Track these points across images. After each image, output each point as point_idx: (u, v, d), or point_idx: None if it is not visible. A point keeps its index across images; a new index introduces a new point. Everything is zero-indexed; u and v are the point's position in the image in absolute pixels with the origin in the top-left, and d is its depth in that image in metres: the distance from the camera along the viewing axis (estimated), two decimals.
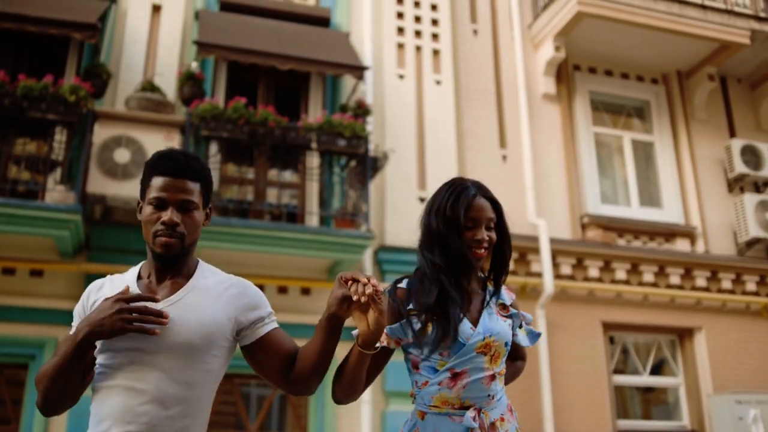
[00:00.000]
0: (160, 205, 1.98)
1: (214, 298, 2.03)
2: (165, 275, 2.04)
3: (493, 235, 2.31)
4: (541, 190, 8.90)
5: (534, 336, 2.44)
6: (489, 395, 2.19)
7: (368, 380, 2.15)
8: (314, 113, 8.12)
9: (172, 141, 6.89)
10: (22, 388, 6.67)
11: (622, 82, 9.96)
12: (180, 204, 1.99)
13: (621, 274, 8.70)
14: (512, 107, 9.23)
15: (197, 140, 6.97)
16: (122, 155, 6.76)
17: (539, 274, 8.25)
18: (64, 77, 7.41)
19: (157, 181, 2.00)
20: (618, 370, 8.69)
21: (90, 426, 1.91)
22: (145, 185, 2.04)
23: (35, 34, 7.13)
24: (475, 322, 2.21)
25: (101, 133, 6.76)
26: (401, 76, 8.64)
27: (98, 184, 6.65)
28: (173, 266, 2.04)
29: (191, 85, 7.14)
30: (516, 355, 2.54)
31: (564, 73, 9.63)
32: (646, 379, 8.79)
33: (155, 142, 6.83)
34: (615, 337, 8.77)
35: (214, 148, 7.05)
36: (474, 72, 9.24)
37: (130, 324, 1.83)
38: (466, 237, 2.26)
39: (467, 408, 2.13)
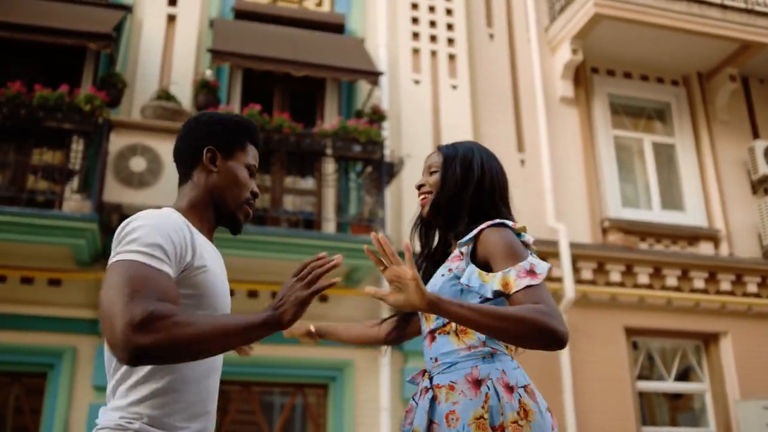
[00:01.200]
0: (252, 173, 1.96)
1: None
2: (211, 233, 1.93)
3: (435, 177, 2.15)
4: (561, 194, 8.79)
5: (488, 290, 1.89)
6: (431, 357, 1.99)
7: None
8: (330, 120, 8.09)
9: None
10: (41, 397, 6.67)
11: (641, 84, 9.84)
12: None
13: (643, 279, 8.55)
14: (530, 111, 9.14)
15: None
16: (138, 164, 6.77)
17: (559, 279, 8.12)
18: (80, 87, 7.44)
19: (253, 150, 1.98)
20: (642, 376, 8.53)
21: (169, 412, 1.66)
22: (236, 144, 1.94)
23: (51, 44, 7.18)
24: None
25: (117, 141, 6.77)
26: (417, 81, 8.59)
27: (114, 192, 6.65)
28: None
29: (206, 93, 7.14)
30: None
31: (582, 76, 9.52)
32: (671, 385, 8.62)
33: (170, 150, 6.80)
34: (638, 342, 8.62)
35: None
36: (490, 76, 9.17)
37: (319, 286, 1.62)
38: None
39: None
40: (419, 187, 2.18)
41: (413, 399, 2.04)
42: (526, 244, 2.00)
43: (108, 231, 6.86)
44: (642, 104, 9.90)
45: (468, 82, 8.81)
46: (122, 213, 6.81)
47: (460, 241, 2.02)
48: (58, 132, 6.47)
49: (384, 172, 7.15)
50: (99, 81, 7.18)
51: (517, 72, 9.33)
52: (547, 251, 8.18)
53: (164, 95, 7.20)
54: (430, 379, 1.95)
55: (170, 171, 6.78)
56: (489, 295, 1.88)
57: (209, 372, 1.77)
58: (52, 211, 6.32)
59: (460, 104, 8.64)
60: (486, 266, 1.94)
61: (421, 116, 8.40)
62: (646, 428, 8.18)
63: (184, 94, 7.55)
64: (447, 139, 8.37)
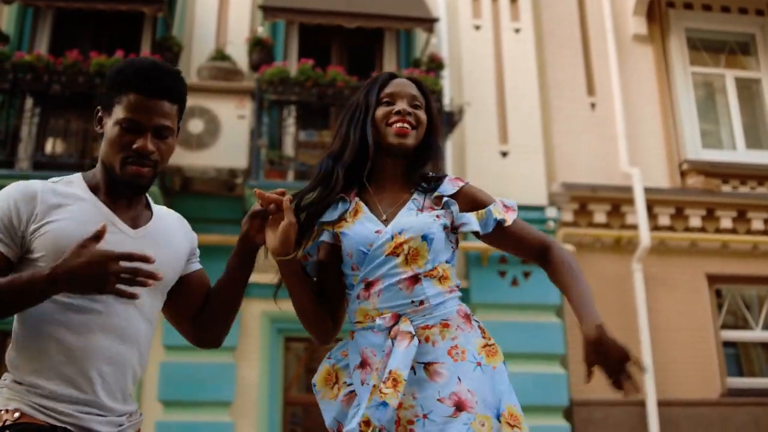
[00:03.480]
0: (133, 128, 1.71)
1: (177, 229, 1.90)
2: (122, 198, 1.79)
3: (422, 114, 1.99)
4: (634, 137, 8.34)
5: (491, 222, 1.94)
6: (413, 301, 1.84)
7: (337, 303, 1.99)
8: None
9: (244, 108, 6.87)
10: None
11: (722, 16, 9.15)
12: (156, 129, 1.73)
13: (726, 223, 8.06)
14: (600, 52, 8.68)
15: (269, 105, 6.92)
16: (196, 125, 6.81)
17: (634, 227, 7.75)
18: (139, 53, 7.52)
19: (133, 98, 1.71)
20: (728, 325, 8.09)
21: (32, 370, 1.64)
22: (112, 97, 1.74)
23: (109, 12, 7.27)
24: (387, 224, 1.91)
25: None
26: (477, 27, 8.27)
27: (174, 155, 6.65)
28: (141, 190, 1.83)
29: (259, 50, 7.08)
30: (525, 248, 2.02)
31: (656, 11, 8.94)
32: (758, 334, 8.14)
33: (227, 110, 6.84)
34: (722, 290, 8.16)
35: (286, 113, 6.98)
36: (556, 17, 8.74)
37: (122, 289, 1.54)
38: (378, 116, 1.97)
39: None
40: (404, 112, 1.96)
41: (342, 359, 1.92)
42: None
43: (170, 193, 6.98)
44: (723, 38, 9.23)
45: (532, 24, 8.42)
46: (183, 175, 6.90)
47: (441, 191, 1.97)
48: None
49: (443, 121, 6.93)
50: (155, 45, 7.23)
51: (585, 11, 8.85)
52: (621, 197, 7.83)
53: (219, 56, 7.19)
54: (411, 322, 1.84)
55: (228, 131, 6.80)
56: (489, 228, 1.95)
57: (87, 333, 1.66)
58: None
59: (523, 49, 8.28)
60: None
61: (482, 63, 8.10)
62: (733, 379, 7.77)
63: (240, 53, 7.52)
64: (511, 87, 8.07)
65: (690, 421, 7.34)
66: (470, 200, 1.98)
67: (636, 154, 8.23)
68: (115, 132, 1.72)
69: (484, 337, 1.90)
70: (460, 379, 1.78)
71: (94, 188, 1.78)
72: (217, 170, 6.80)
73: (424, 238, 1.86)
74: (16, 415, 1.57)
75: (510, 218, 1.95)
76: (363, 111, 1.99)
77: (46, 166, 6.75)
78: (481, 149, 7.77)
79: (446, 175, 2.02)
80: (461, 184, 2.00)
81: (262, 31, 7.34)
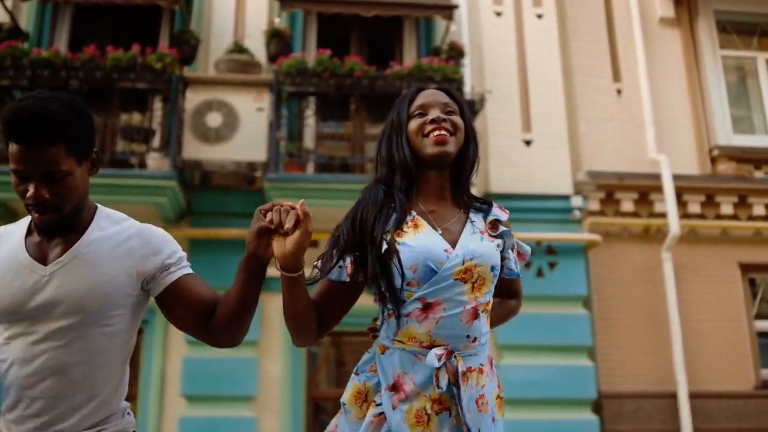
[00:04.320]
0: (22, 177, 1.69)
1: (108, 252, 1.81)
2: (54, 234, 1.81)
3: (458, 119, 1.87)
4: (662, 123, 8.13)
5: (515, 272, 1.98)
6: (468, 336, 1.73)
7: (330, 319, 1.83)
8: (410, 60, 7.77)
9: (262, 101, 6.80)
10: (138, 351, 6.89)
11: None
12: (45, 176, 1.68)
13: (759, 210, 7.82)
14: (625, 36, 8.46)
15: (287, 97, 6.83)
16: (214, 119, 6.74)
17: (663, 215, 7.55)
18: (157, 47, 7.47)
19: (14, 149, 1.66)
20: (762, 315, 7.85)
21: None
22: (6, 144, 1.71)
23: (126, 6, 7.23)
24: (453, 244, 1.78)
25: (193, 98, 6.77)
26: (498, 14, 8.10)
27: (193, 149, 6.67)
28: (60, 228, 1.81)
29: (277, 42, 6.99)
30: (508, 291, 2.07)
31: None
32: None
33: (246, 103, 6.77)
34: (756, 279, 7.93)
35: (305, 104, 6.89)
36: (580, 1, 8.53)
37: None
38: (411, 129, 1.85)
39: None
40: (438, 120, 1.83)
41: (373, 377, 1.79)
42: None
43: (190, 188, 6.94)
44: (754, 19, 8.94)
45: (554, 9, 8.23)
46: (202, 169, 6.85)
47: (495, 216, 1.90)
48: (135, 92, 6.53)
49: None
50: (172, 39, 7.18)
51: None
52: (649, 185, 7.63)
53: (237, 48, 7.12)
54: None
55: (246, 124, 6.73)
56: (514, 276, 2.01)
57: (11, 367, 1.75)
58: (132, 170, 6.42)
59: (546, 35, 8.09)
60: None
61: (504, 50, 7.94)
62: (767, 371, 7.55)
63: (258, 45, 7.44)
64: (534, 74, 7.91)
65: (723, 413, 7.15)
66: (508, 237, 1.96)
67: (664, 140, 8.02)
68: (13, 180, 1.72)
69: (498, 386, 1.84)
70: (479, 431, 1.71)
71: (32, 229, 1.85)
72: (236, 164, 6.74)
73: (493, 268, 1.79)
74: None
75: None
76: (398, 129, 1.88)
77: None
78: (503, 138, 7.61)
79: (491, 201, 1.96)
80: (506, 216, 1.94)
81: (279, 22, 7.25)
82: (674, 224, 7.38)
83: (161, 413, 6.61)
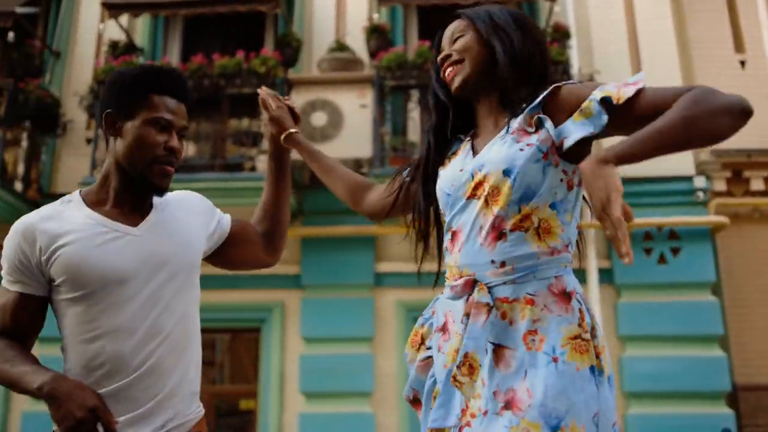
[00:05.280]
0: (164, 127, 1.73)
1: (182, 210, 1.84)
2: (126, 205, 1.77)
3: (464, 40, 1.66)
4: None
5: (598, 110, 1.46)
6: (494, 261, 1.49)
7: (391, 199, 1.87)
8: None
9: (365, 97, 6.80)
10: (257, 350, 7.08)
11: None
12: (179, 131, 1.77)
13: None
14: (747, 3, 7.88)
15: (390, 92, 6.80)
16: (319, 118, 6.81)
17: None
18: (259, 52, 7.65)
19: (162, 101, 1.74)
20: None
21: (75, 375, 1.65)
22: (136, 101, 1.73)
23: (231, 15, 7.43)
24: None
25: (297, 99, 6.85)
26: None
27: None
28: (148, 198, 1.79)
29: (377, 37, 6.98)
30: (648, 109, 1.47)
31: None
32: None
33: (349, 100, 6.80)
34: None
35: (407, 98, 6.84)
36: None
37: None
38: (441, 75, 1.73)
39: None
40: (442, 60, 1.69)
41: (430, 318, 1.67)
42: None
43: (300, 188, 7.04)
44: None
45: None
46: (311, 169, 6.93)
47: (532, 109, 1.53)
48: (242, 97, 6.69)
49: None
50: (276, 42, 7.32)
51: None
52: None
53: (339, 47, 7.16)
54: (489, 290, 1.50)
55: (350, 121, 6.76)
56: (603, 121, 1.45)
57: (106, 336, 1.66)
58: (242, 173, 6.58)
59: (658, 8, 7.67)
60: None
61: (613, 28, 7.58)
62: None
63: (359, 43, 7.46)
64: (647, 50, 7.53)
65: None
66: (574, 102, 1.50)
67: None
68: (146, 131, 1.72)
69: (580, 326, 1.45)
70: (526, 373, 1.42)
71: (94, 203, 1.77)
72: (342, 161, 6.76)
73: (507, 172, 1.49)
74: None
75: (626, 93, 1.44)
76: (433, 77, 1.79)
77: (180, 170, 7.00)
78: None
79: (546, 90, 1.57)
80: (550, 89, 1.54)
81: (377, 17, 7.23)
82: None
83: (281, 410, 6.75)
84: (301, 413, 6.69)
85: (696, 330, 6.60)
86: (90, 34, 8.13)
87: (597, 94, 1.46)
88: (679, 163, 7.03)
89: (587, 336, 1.44)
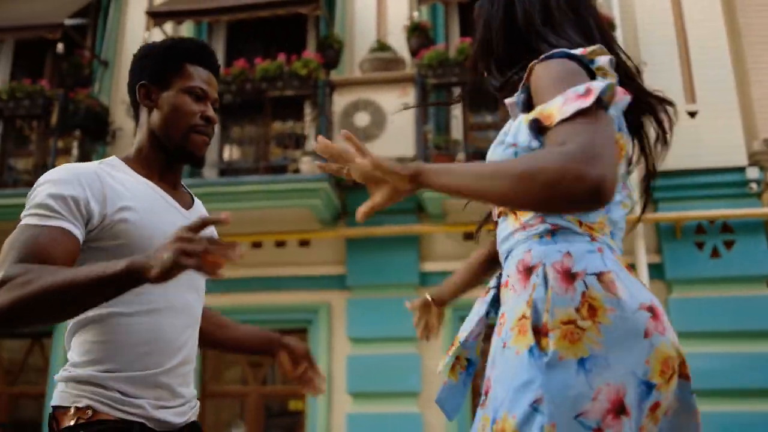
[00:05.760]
0: (200, 97, 1.75)
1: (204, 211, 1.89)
2: (169, 179, 1.78)
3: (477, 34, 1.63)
4: None
5: (527, 129, 1.34)
6: (500, 242, 1.52)
7: None
8: None
9: (407, 96, 6.79)
10: None
11: None
12: (213, 101, 1.80)
13: None
14: None
15: (431, 90, 6.78)
16: (362, 119, 6.82)
17: None
18: (300, 55, 7.70)
19: (197, 71, 1.77)
20: None
21: (106, 356, 1.56)
22: (170, 71, 1.75)
23: (272, 19, 7.49)
24: None
25: (340, 101, 6.89)
26: None
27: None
28: (181, 170, 1.83)
29: (417, 36, 6.96)
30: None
31: None
32: None
33: (391, 100, 6.79)
34: None
35: (450, 95, 6.81)
36: None
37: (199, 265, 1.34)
38: None
39: None
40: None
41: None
42: (600, 70, 1.35)
43: (344, 188, 7.06)
44: None
45: None
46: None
47: (519, 103, 1.44)
48: (284, 100, 6.75)
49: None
50: (318, 44, 7.36)
51: None
52: None
53: (380, 46, 7.17)
54: (498, 276, 1.54)
55: (394, 120, 6.75)
56: (531, 138, 1.31)
57: (156, 323, 1.61)
58: (286, 175, 6.63)
59: None
60: None
61: (659, 18, 7.40)
62: None
63: (401, 42, 7.45)
64: (695, 39, 7.37)
65: None
66: (533, 93, 1.37)
67: None
68: (183, 100, 1.73)
69: (528, 305, 1.31)
70: (494, 361, 1.38)
71: (138, 172, 1.75)
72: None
73: (499, 145, 1.48)
74: (89, 413, 1.52)
75: (565, 112, 1.20)
76: None
77: (226, 173, 7.11)
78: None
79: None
80: (529, 68, 1.40)
81: (417, 16, 7.21)
82: None
83: (329, 411, 6.77)
84: (348, 413, 6.70)
85: (751, 325, 6.40)
86: (136, 43, 8.29)
87: (535, 112, 1.29)
88: (731, 154, 6.84)
89: (530, 313, 1.30)
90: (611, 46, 1.52)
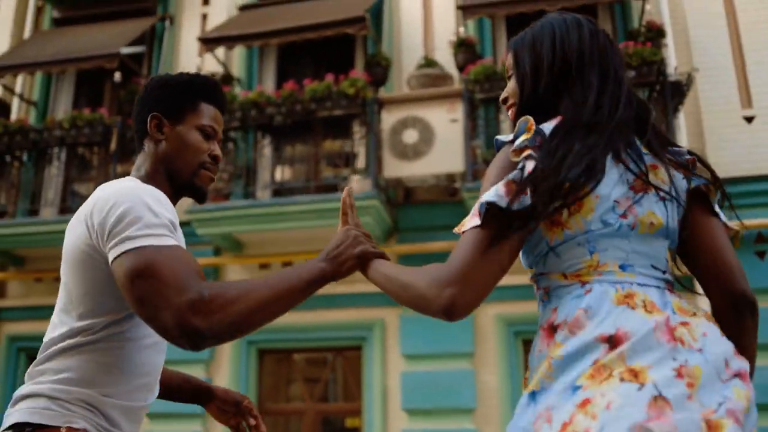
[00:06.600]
0: (209, 135, 1.80)
1: None
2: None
3: (509, 84, 1.60)
4: None
5: None
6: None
7: None
8: None
9: (455, 112, 6.80)
10: (359, 368, 7.15)
11: None
12: (218, 141, 1.86)
13: None
14: None
15: (479, 104, 6.77)
16: (411, 135, 6.85)
17: None
18: (348, 74, 7.79)
19: (209, 110, 1.82)
20: None
21: (109, 380, 1.56)
22: (185, 107, 1.78)
23: (321, 40, 7.61)
24: None
25: (388, 118, 6.94)
26: None
27: (393, 168, 6.82)
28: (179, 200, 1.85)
29: (464, 51, 6.98)
30: None
31: None
32: None
33: (439, 116, 6.81)
34: None
35: (497, 109, 6.79)
36: None
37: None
38: None
39: None
40: (504, 101, 1.64)
41: None
42: (522, 150, 1.38)
43: (394, 205, 7.09)
44: None
45: None
46: (404, 186, 6.99)
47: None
48: (333, 119, 6.84)
49: (667, 93, 6.29)
50: (365, 63, 7.44)
51: None
52: None
53: (427, 63, 7.21)
54: None
55: (442, 137, 6.77)
56: None
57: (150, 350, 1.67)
58: (336, 193, 6.69)
59: None
60: None
61: (712, 22, 7.26)
62: None
63: (448, 57, 7.47)
64: (750, 42, 7.21)
65: None
66: None
67: None
68: (195, 137, 1.78)
69: (546, 362, 1.31)
70: None
71: None
72: (435, 177, 6.80)
73: None
74: None
75: (463, 227, 1.37)
76: None
77: (278, 193, 7.22)
78: (720, 117, 6.94)
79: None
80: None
81: (463, 31, 7.23)
82: None
83: (385, 427, 6.77)
84: (404, 430, 6.69)
85: None
86: (191, 69, 8.50)
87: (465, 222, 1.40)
88: None
89: (536, 372, 1.35)
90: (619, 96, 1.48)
